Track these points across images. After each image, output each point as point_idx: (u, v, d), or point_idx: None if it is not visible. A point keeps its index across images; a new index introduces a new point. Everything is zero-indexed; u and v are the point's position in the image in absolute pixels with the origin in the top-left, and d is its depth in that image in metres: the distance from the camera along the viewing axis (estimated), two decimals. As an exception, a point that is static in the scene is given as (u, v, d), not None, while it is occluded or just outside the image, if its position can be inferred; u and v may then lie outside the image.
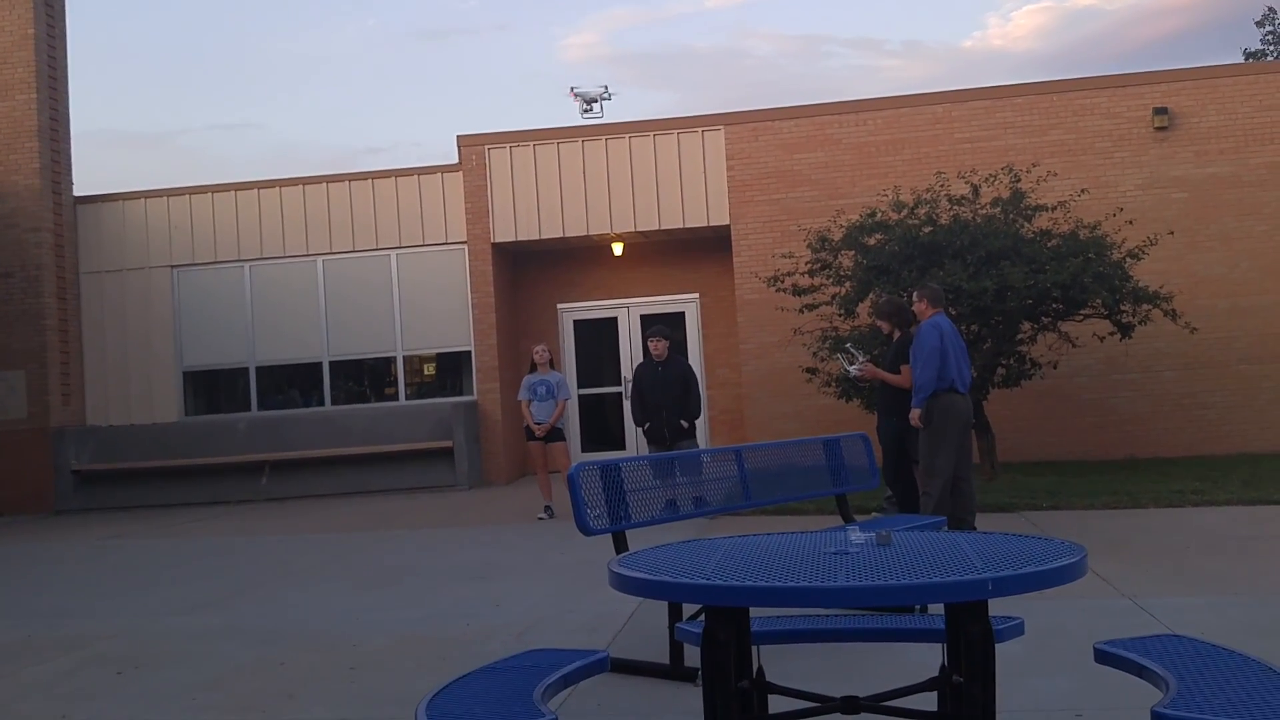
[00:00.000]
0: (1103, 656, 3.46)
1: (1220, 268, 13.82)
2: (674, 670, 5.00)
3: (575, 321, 16.35)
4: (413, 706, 3.76)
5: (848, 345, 9.71)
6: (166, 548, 10.90)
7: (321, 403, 15.87)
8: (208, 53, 52.93)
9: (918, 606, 5.07)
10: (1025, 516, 9.39)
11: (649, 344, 10.49)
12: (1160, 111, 13.94)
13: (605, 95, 16.35)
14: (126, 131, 49.50)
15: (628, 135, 15.11)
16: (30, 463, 14.93)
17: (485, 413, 15.12)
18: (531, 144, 15.21)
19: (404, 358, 15.85)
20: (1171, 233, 12.92)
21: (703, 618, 3.50)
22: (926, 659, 4.51)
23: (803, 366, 12.32)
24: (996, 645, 3.20)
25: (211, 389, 16.36)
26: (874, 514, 8.83)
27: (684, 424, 10.24)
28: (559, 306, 16.32)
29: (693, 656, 4.58)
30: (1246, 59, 30.28)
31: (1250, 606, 5.92)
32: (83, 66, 27.91)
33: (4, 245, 15.16)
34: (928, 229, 11.06)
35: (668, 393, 10.22)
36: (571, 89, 16.37)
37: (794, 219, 14.21)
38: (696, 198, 14.87)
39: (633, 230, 15.14)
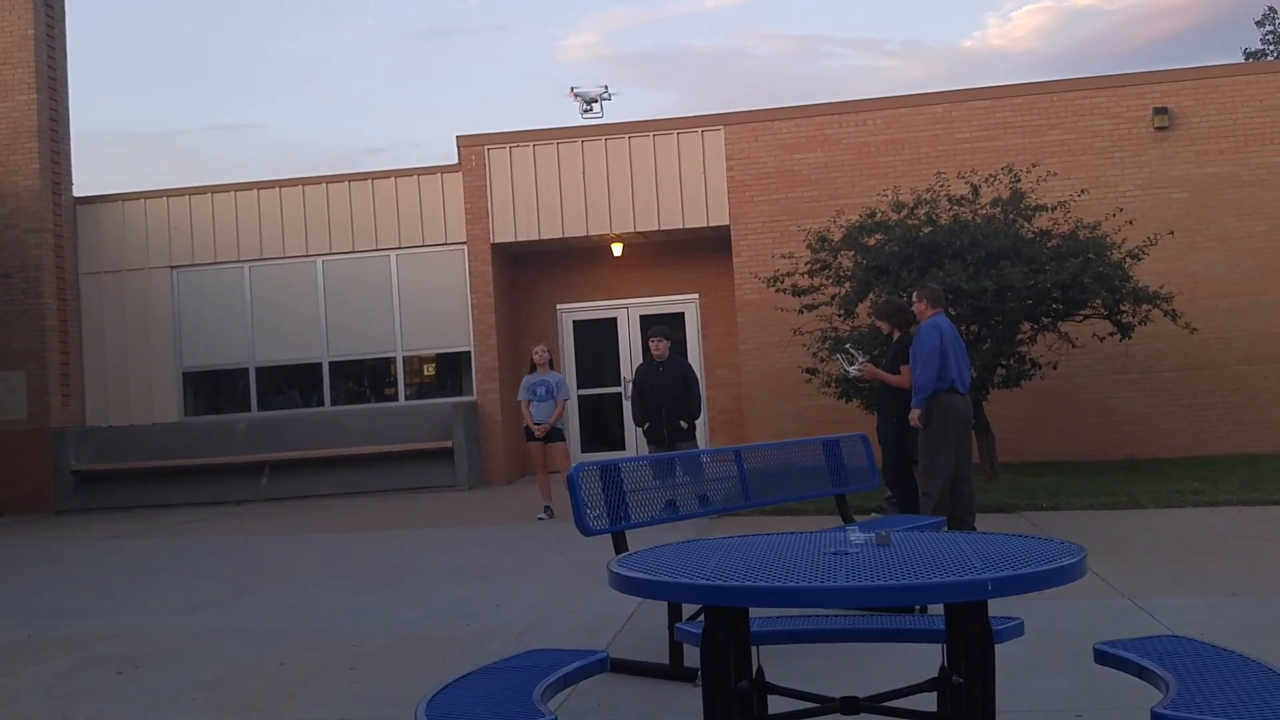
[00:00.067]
0: (1102, 657, 3.46)
1: (1220, 268, 13.82)
2: (674, 670, 5.00)
3: (575, 322, 16.35)
4: (413, 706, 3.75)
5: (847, 346, 9.71)
6: (166, 548, 10.90)
7: (321, 403, 15.87)
8: (208, 53, 52.95)
9: (917, 607, 5.07)
10: (1025, 517, 9.39)
11: (650, 344, 10.49)
12: (1160, 111, 13.94)
13: (605, 95, 16.35)
14: (126, 132, 49.53)
15: (627, 135, 15.11)
16: (30, 463, 14.94)
17: (485, 413, 15.12)
18: (531, 144, 15.21)
19: (404, 358, 15.85)
20: (1171, 233, 12.91)
21: (702, 618, 3.50)
22: (926, 659, 4.50)
23: (802, 367, 12.32)
24: (996, 646, 3.20)
25: (211, 389, 16.36)
26: (874, 514, 8.83)
27: (683, 425, 10.23)
28: (559, 307, 16.32)
29: (692, 657, 4.58)
30: (1247, 59, 30.29)
31: (1250, 607, 5.92)
32: (82, 67, 27.98)
33: (4, 246, 15.16)
34: (927, 229, 11.06)
35: (668, 393, 10.22)
36: (571, 89, 16.39)
37: (794, 219, 14.22)
38: (696, 198, 14.87)
39: (632, 230, 15.14)
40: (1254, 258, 13.83)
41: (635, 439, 15.83)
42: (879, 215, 11.54)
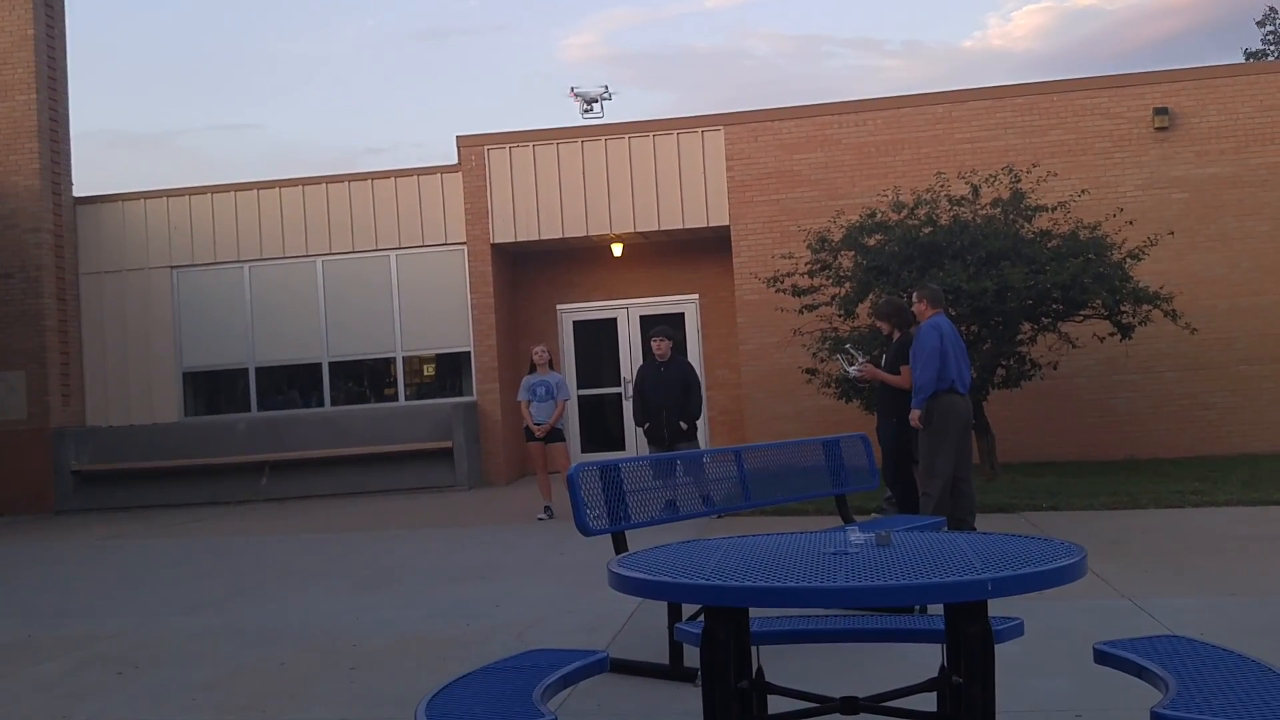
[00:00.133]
0: (1102, 657, 3.46)
1: (1221, 268, 13.82)
2: (673, 670, 5.00)
3: (575, 322, 16.35)
4: (412, 706, 3.76)
5: (847, 346, 9.71)
6: (167, 548, 10.90)
7: (321, 403, 15.87)
8: (208, 53, 52.96)
9: (917, 607, 5.07)
10: (1025, 517, 9.39)
11: (652, 343, 10.51)
12: (1161, 112, 13.94)
13: (605, 95, 16.35)
14: (126, 132, 49.54)
15: (627, 136, 15.11)
16: (30, 463, 14.94)
17: (485, 413, 15.12)
18: (531, 144, 15.21)
19: (404, 358, 15.86)
20: (1172, 233, 12.91)
21: (702, 618, 3.50)
22: (926, 659, 4.50)
23: (802, 367, 12.32)
24: (996, 646, 3.20)
25: (211, 390, 16.36)
26: (873, 515, 8.82)
27: (683, 426, 10.24)
28: (558, 307, 16.32)
29: (692, 657, 4.58)
30: (1247, 59, 30.28)
31: (1250, 607, 5.92)
32: (82, 67, 27.98)
33: (4, 246, 15.16)
34: (928, 229, 11.06)
35: (669, 394, 10.23)
36: (572, 89, 16.39)
37: (794, 219, 14.22)
38: (696, 198, 14.87)
39: (632, 231, 15.14)
40: (1254, 258, 13.83)
41: (635, 439, 15.83)
42: (879, 215, 11.54)
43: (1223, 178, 13.90)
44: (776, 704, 3.73)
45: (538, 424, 11.06)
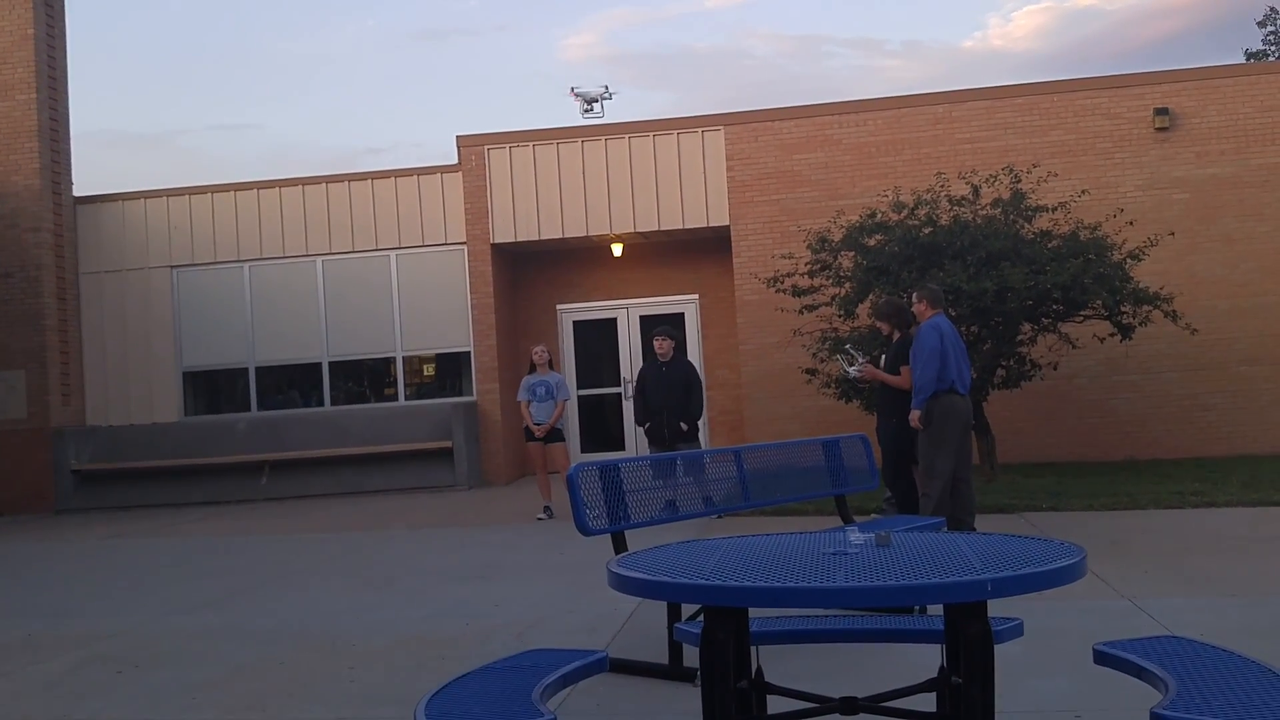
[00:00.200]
0: (1102, 658, 3.46)
1: (1221, 269, 13.82)
2: (673, 670, 5.00)
3: (575, 322, 16.35)
4: (412, 706, 3.76)
5: (847, 346, 9.71)
6: (166, 547, 10.90)
7: (321, 403, 15.87)
8: (208, 53, 52.96)
9: (917, 607, 5.07)
10: (1025, 517, 9.39)
11: (654, 343, 10.53)
12: (1161, 112, 13.93)
13: (605, 95, 16.35)
14: (126, 132, 49.54)
15: (627, 135, 15.11)
16: (30, 462, 14.94)
17: (485, 413, 15.12)
18: (531, 144, 15.21)
19: (403, 358, 15.86)
20: (1172, 234, 12.91)
21: (701, 618, 3.50)
22: (925, 660, 4.50)
23: (802, 367, 12.32)
24: (995, 646, 3.20)
25: (211, 389, 16.36)
26: (873, 515, 8.83)
27: (684, 426, 10.25)
28: (558, 307, 16.32)
29: (692, 656, 4.58)
30: (1248, 59, 30.27)
31: (1249, 608, 5.92)
32: (82, 66, 27.93)
33: (4, 245, 15.16)
34: (928, 230, 11.06)
35: (670, 394, 10.24)
36: (572, 89, 16.39)
37: (794, 220, 14.22)
38: (696, 198, 14.87)
39: (632, 231, 15.14)
40: (1255, 259, 13.83)
41: (635, 439, 15.83)
42: (879, 216, 11.53)
43: (1223, 178, 13.90)
44: (776, 704, 3.73)
45: (537, 424, 11.06)
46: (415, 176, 15.67)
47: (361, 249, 15.73)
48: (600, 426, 16.27)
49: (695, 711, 3.70)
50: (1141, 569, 7.05)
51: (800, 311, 12.11)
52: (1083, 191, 13.10)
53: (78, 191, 16.20)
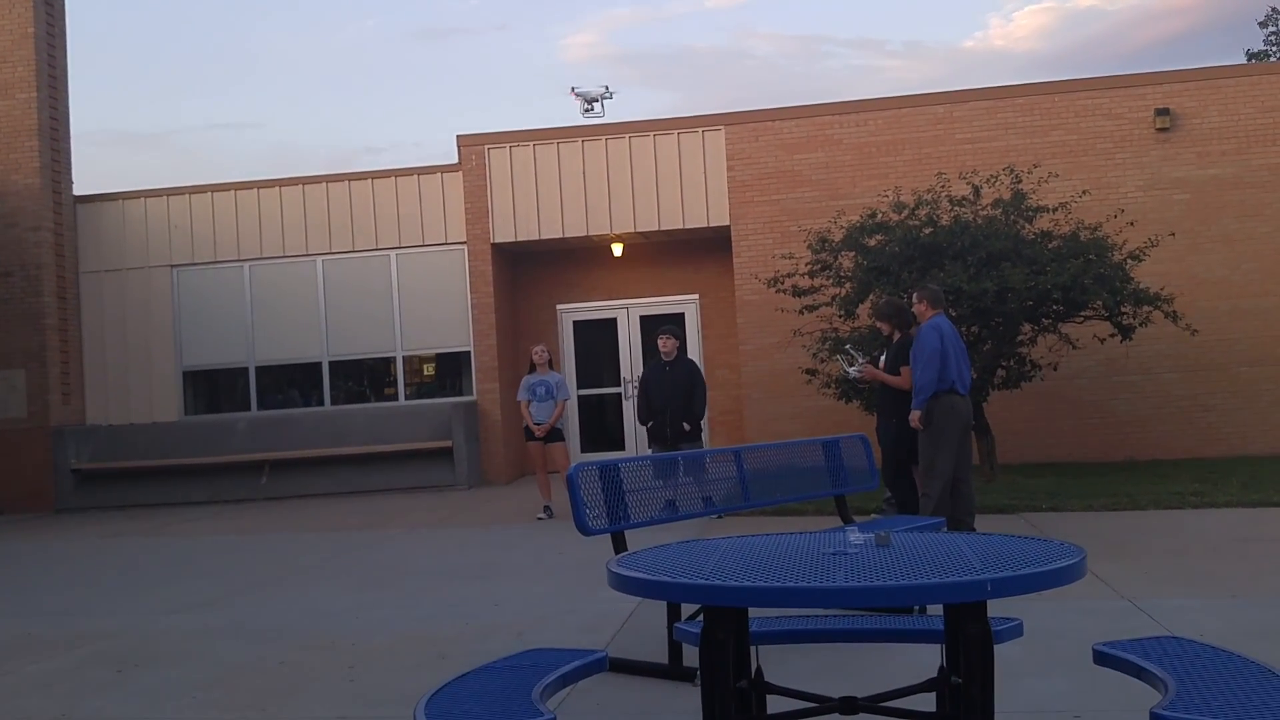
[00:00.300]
0: (1101, 658, 3.46)
1: (1222, 269, 13.82)
2: (672, 670, 5.00)
3: (575, 322, 16.35)
4: (412, 705, 3.76)
5: (847, 346, 9.71)
6: (166, 547, 10.90)
7: (321, 403, 15.88)
8: (207, 52, 52.96)
9: (916, 607, 5.07)
10: (1024, 518, 9.39)
11: (658, 341, 10.55)
12: (1162, 112, 13.93)
13: (606, 95, 16.35)
14: (126, 131, 49.54)
15: (628, 135, 15.11)
16: (30, 461, 14.95)
17: (485, 413, 15.12)
18: (531, 144, 15.21)
19: (403, 358, 15.86)
20: (1173, 234, 12.92)
21: (701, 618, 3.50)
22: (925, 660, 4.50)
23: (802, 368, 12.32)
24: (995, 646, 3.20)
25: (211, 389, 16.36)
26: (873, 515, 8.82)
27: (686, 426, 10.25)
28: (558, 307, 16.32)
29: (691, 656, 4.58)
30: (1249, 60, 30.27)
31: (1249, 608, 5.92)
32: (82, 66, 27.94)
33: (4, 244, 15.17)
34: (928, 230, 11.06)
35: (673, 393, 10.25)
36: (572, 89, 16.39)
37: (794, 220, 14.22)
38: (696, 198, 14.87)
39: (632, 231, 15.14)
40: (1255, 259, 13.83)
41: (635, 439, 15.83)
42: (880, 216, 11.53)
43: (1224, 179, 13.90)
44: (775, 704, 3.73)
45: (537, 424, 11.06)
46: (415, 176, 15.67)
47: (361, 249, 15.74)
48: (600, 426, 16.27)
49: (695, 711, 3.70)
50: (1141, 569, 7.05)
51: (800, 312, 12.11)
52: (1083, 192, 13.10)
53: (78, 191, 16.21)
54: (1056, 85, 14.47)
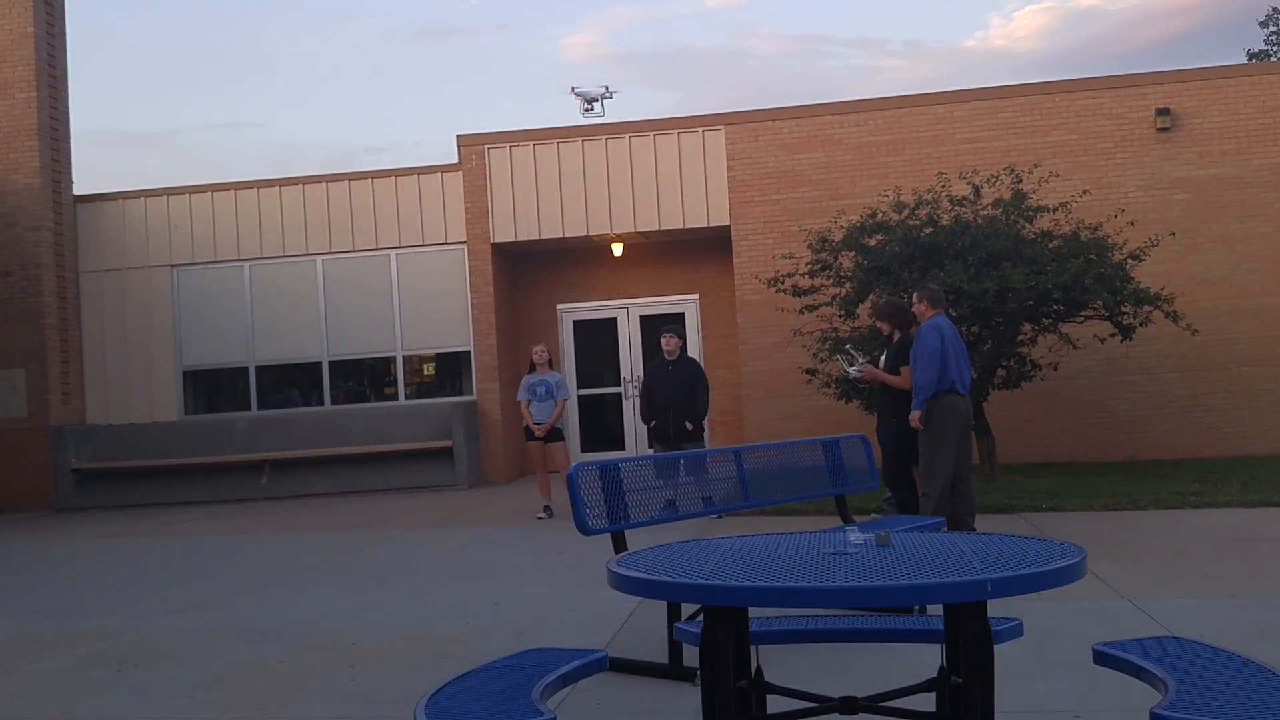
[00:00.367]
0: (1101, 658, 3.46)
1: (1222, 269, 13.82)
2: (672, 670, 5.00)
3: (575, 322, 16.35)
4: (412, 705, 3.76)
5: (848, 346, 9.70)
6: (166, 546, 10.90)
7: (321, 402, 15.88)
8: (208, 51, 52.97)
9: (916, 607, 5.06)
10: (1025, 518, 9.39)
11: (661, 340, 10.56)
12: (1163, 112, 13.93)
13: (606, 95, 16.35)
14: (126, 130, 49.55)
15: (628, 135, 15.11)
16: (30, 461, 14.95)
17: (485, 412, 15.12)
18: (531, 144, 15.21)
19: (404, 358, 15.86)
20: (1173, 234, 12.91)
21: (701, 618, 3.50)
22: (925, 660, 4.50)
23: (803, 367, 12.32)
24: (995, 646, 3.19)
25: (211, 388, 16.36)
26: (873, 515, 8.82)
27: (689, 426, 10.26)
28: (559, 307, 16.32)
29: (691, 656, 4.58)
30: (1250, 59, 30.26)
31: (1249, 608, 5.92)
32: (82, 65, 27.96)
33: (4, 244, 15.16)
34: (928, 230, 11.06)
35: (676, 392, 10.26)
36: (572, 88, 16.40)
37: (794, 219, 14.21)
38: (697, 198, 14.87)
39: (633, 230, 15.14)
40: (1256, 259, 13.83)
41: (635, 439, 15.83)
42: (880, 216, 11.53)
43: (1224, 179, 13.90)
44: (775, 704, 3.73)
45: (537, 423, 11.07)
46: (415, 176, 15.67)
47: (362, 248, 15.74)
48: (600, 426, 16.27)
49: (695, 711, 3.70)
50: (1141, 569, 7.05)
51: (801, 311, 12.10)
52: (1084, 192, 13.10)
53: (78, 190, 16.20)
54: (1057, 85, 14.47)
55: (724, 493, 6.56)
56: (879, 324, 9.06)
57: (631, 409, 16.02)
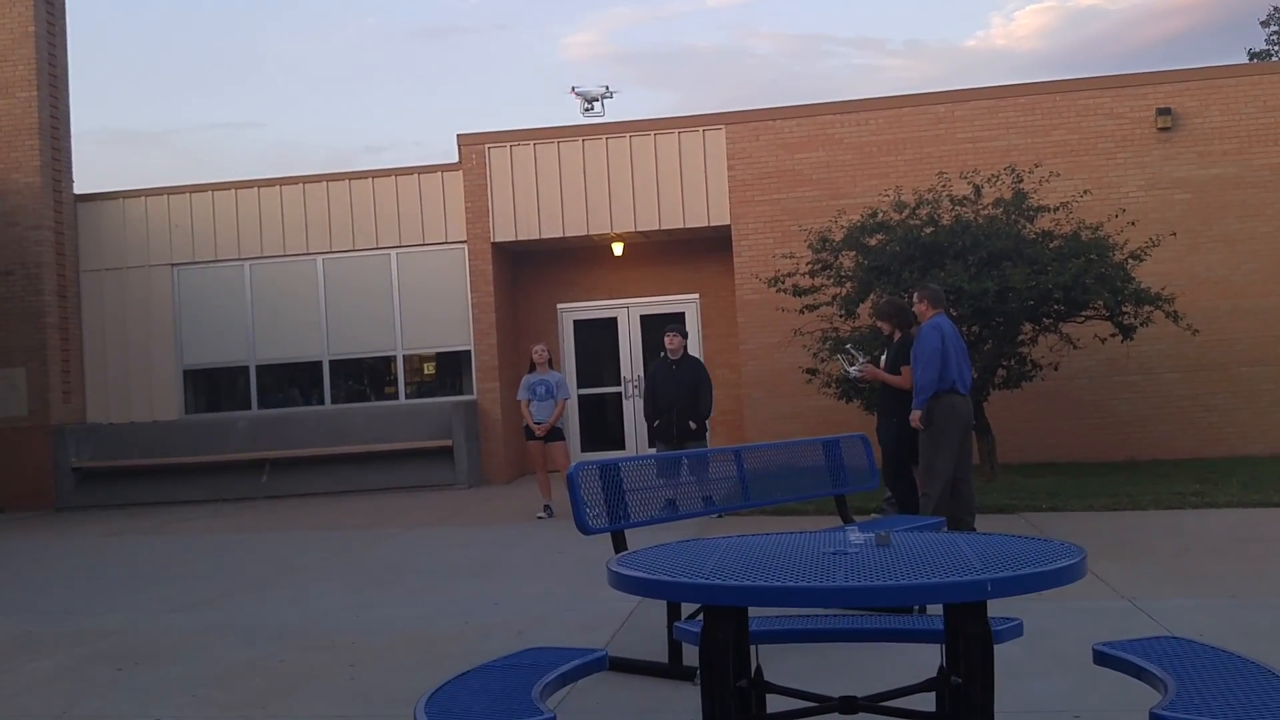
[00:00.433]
0: (1101, 658, 3.46)
1: (1222, 269, 13.81)
2: (672, 669, 5.00)
3: (575, 321, 16.35)
4: (412, 704, 3.76)
5: (848, 346, 9.70)
6: (166, 545, 10.90)
7: (321, 401, 15.88)
8: (208, 50, 52.98)
9: (916, 607, 5.06)
10: (1025, 518, 9.39)
11: (665, 338, 10.57)
12: (1164, 112, 13.92)
13: (606, 94, 16.35)
14: (127, 129, 49.55)
15: (628, 135, 15.10)
16: (31, 460, 14.95)
17: (485, 412, 15.12)
18: (532, 143, 15.21)
19: (404, 357, 15.86)
20: (1174, 234, 12.91)
21: (701, 617, 3.50)
22: (925, 659, 4.50)
23: (803, 367, 12.31)
24: (995, 646, 3.19)
25: (212, 387, 16.36)
26: (873, 515, 8.82)
27: (692, 425, 10.27)
28: (559, 306, 16.31)
29: (691, 655, 4.58)
30: (1251, 59, 30.25)
31: (1249, 609, 5.92)
32: (83, 64, 27.96)
33: (4, 243, 15.16)
34: (929, 229, 11.05)
35: (680, 392, 10.27)
36: (573, 88, 16.40)
37: (795, 219, 14.21)
38: (697, 197, 14.87)
39: (633, 230, 15.14)
40: (1256, 260, 13.82)
41: (636, 438, 15.84)
42: (880, 215, 11.53)
43: (1225, 179, 13.89)
44: (775, 703, 3.73)
45: (538, 423, 11.07)
46: (416, 175, 15.67)
47: (362, 248, 15.74)
48: (600, 425, 16.27)
49: (695, 710, 3.70)
50: (1141, 569, 7.05)
51: (801, 311, 12.10)
52: (1085, 191, 13.09)
53: (78, 189, 16.20)
54: (1058, 85, 14.46)
55: (724, 492, 6.56)
56: (879, 324, 9.06)
57: (631, 409, 16.02)
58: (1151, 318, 11.17)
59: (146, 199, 16.15)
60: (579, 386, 16.14)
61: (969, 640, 3.12)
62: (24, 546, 11.39)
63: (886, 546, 3.42)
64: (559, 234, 15.20)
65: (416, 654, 5.69)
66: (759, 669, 3.65)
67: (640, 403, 15.39)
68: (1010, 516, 9.43)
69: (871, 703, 3.57)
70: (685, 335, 10.67)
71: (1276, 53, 31.79)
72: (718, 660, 3.21)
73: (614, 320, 16.29)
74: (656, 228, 15.06)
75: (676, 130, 15.00)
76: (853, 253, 11.53)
